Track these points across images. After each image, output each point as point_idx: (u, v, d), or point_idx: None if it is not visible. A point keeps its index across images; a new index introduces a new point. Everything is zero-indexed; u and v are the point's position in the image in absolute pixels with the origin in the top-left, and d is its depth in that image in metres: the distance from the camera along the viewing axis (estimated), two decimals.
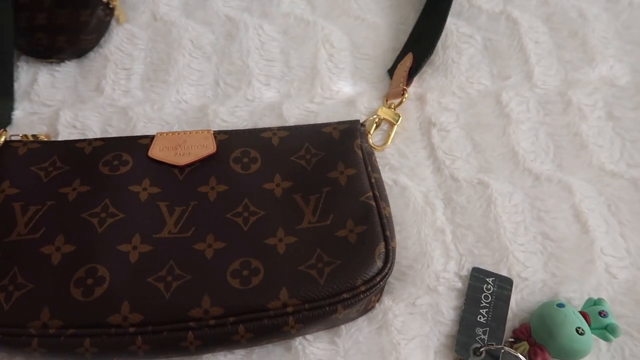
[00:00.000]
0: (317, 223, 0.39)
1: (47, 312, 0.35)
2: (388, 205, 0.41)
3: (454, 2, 0.54)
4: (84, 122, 0.48)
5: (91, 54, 0.51)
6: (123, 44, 0.52)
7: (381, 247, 0.38)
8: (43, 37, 0.49)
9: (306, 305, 0.36)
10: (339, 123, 0.45)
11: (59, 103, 0.49)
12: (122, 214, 0.39)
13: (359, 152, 0.43)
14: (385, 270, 0.37)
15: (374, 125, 0.48)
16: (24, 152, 0.43)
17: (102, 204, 0.40)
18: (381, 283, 0.37)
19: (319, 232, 0.39)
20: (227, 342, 0.36)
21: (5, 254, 0.37)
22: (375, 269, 0.37)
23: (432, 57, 0.52)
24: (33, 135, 0.46)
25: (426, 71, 0.51)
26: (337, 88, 0.51)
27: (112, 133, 0.47)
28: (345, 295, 0.36)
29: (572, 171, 0.46)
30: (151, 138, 0.44)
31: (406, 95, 0.48)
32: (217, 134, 0.44)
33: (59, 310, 0.35)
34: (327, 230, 0.39)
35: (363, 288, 0.36)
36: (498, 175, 0.46)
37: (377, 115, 0.48)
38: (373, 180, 0.42)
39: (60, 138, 0.47)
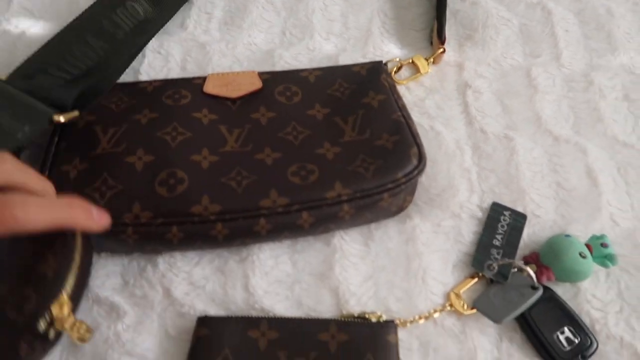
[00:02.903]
0: (357, 136, 0.46)
1: (138, 206, 0.40)
2: (414, 124, 0.48)
3: None
4: (168, 50, 0.55)
5: None
6: None
7: (415, 149, 0.45)
8: None
9: (358, 194, 0.42)
10: (364, 63, 0.53)
11: None
12: (189, 132, 0.45)
13: (386, 83, 0.50)
14: (420, 166, 0.44)
15: (395, 67, 0.55)
16: None
17: (172, 126, 0.45)
18: (418, 176, 0.44)
19: (360, 143, 0.46)
20: (293, 226, 0.42)
21: (95, 164, 0.42)
22: (412, 165, 0.44)
23: (472, 33, 0.59)
24: None
25: (466, 44, 0.58)
26: (387, 49, 0.58)
27: (190, 62, 0.55)
28: (389, 185, 0.43)
29: (588, 138, 0.52)
30: (203, 78, 0.50)
31: (440, 50, 0.55)
32: (261, 74, 0.51)
33: (148, 204, 0.40)
34: (367, 141, 0.46)
35: (403, 180, 0.43)
36: (522, 133, 0.52)
37: (399, 59, 0.55)
38: (400, 104, 0.49)
39: (147, 60, 0.55)
